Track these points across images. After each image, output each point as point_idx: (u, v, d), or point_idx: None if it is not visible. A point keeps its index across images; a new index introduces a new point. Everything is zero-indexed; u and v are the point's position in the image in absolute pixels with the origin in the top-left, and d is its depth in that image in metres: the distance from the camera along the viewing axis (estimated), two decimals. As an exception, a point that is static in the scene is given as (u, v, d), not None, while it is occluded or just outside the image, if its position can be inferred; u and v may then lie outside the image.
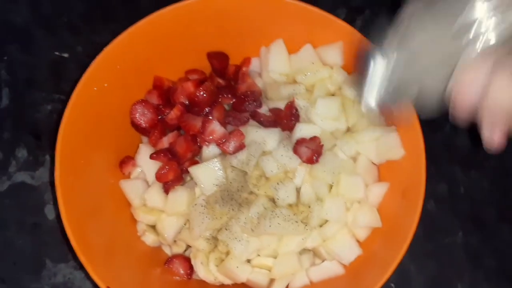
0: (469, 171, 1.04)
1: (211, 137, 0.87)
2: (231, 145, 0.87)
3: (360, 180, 0.86)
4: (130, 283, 0.84)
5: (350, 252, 0.85)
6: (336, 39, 0.91)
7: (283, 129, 0.89)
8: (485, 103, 0.51)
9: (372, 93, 0.62)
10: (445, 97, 0.57)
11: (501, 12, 0.50)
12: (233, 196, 0.86)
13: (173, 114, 0.90)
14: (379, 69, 0.60)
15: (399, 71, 0.60)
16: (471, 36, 0.51)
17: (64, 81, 1.08)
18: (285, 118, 0.88)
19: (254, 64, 0.98)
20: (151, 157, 0.89)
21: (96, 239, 0.83)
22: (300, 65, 0.93)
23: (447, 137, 1.06)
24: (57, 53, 1.10)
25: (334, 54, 0.91)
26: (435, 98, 0.60)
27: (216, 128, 0.87)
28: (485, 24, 0.51)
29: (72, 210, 0.79)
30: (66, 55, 1.10)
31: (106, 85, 0.86)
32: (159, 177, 0.88)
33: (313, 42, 0.93)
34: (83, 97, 0.83)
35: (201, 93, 0.89)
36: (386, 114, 0.77)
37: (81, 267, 0.95)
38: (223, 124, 0.89)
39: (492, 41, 0.51)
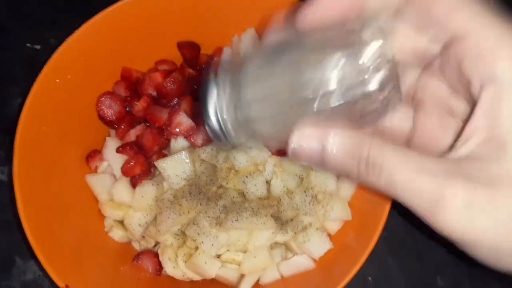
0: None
1: (178, 130, 0.84)
2: (199, 138, 0.84)
3: (330, 172, 0.83)
4: (95, 280, 0.82)
5: (321, 246, 0.82)
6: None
7: (253, 120, 0.86)
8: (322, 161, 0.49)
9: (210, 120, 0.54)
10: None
11: (350, 78, 0.47)
12: (202, 190, 0.83)
13: (139, 106, 0.87)
14: (212, 101, 0.53)
15: (230, 109, 0.53)
16: (316, 92, 0.48)
17: (36, 75, 1.05)
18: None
19: (227, 54, 0.95)
20: (117, 150, 0.87)
21: (60, 235, 0.80)
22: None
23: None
24: (28, 45, 1.07)
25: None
26: (273, 139, 0.56)
27: (183, 120, 0.84)
28: (333, 84, 0.47)
29: (33, 207, 0.77)
30: (38, 47, 1.08)
31: (69, 77, 0.84)
32: (125, 171, 0.85)
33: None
34: (44, 90, 0.81)
35: (169, 84, 0.87)
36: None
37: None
38: (192, 116, 0.86)
39: (333, 103, 0.48)
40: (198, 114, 0.79)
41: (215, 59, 0.93)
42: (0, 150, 1.00)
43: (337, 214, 0.82)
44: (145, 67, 0.94)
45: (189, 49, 0.93)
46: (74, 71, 0.84)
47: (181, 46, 0.93)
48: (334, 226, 0.84)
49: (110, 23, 0.85)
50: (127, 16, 0.86)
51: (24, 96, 1.02)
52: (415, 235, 0.97)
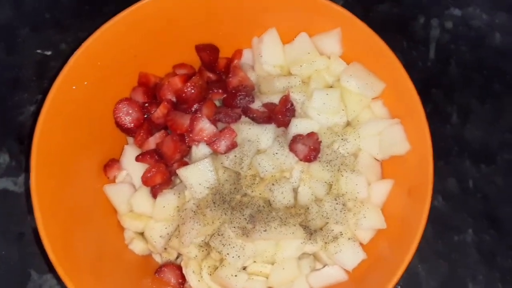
0: (479, 165, 0.97)
1: (200, 136, 0.81)
2: (222, 144, 0.81)
3: (363, 178, 0.79)
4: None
5: (354, 257, 0.78)
6: (333, 26, 0.84)
7: (278, 125, 0.83)
8: None
9: None
10: None
11: None
12: (226, 199, 0.80)
13: (159, 112, 0.84)
14: None
15: None
16: None
17: (48, 81, 1.02)
18: (280, 114, 0.82)
19: (246, 56, 0.91)
20: (137, 159, 0.83)
21: (79, 249, 0.77)
22: (295, 55, 0.86)
23: (455, 128, 0.99)
24: (39, 51, 1.04)
25: (332, 42, 0.85)
26: None
27: (205, 126, 0.81)
28: None
29: (51, 219, 0.73)
30: (49, 53, 1.04)
31: (86, 83, 0.80)
32: (145, 180, 0.82)
33: (308, 31, 0.87)
34: (61, 97, 0.77)
35: (189, 88, 0.83)
36: None
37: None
38: (213, 121, 0.82)
39: None
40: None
41: (236, 61, 0.90)
42: (12, 159, 0.97)
43: (370, 223, 0.79)
44: (163, 71, 0.91)
45: (208, 52, 0.89)
46: (91, 77, 0.80)
47: (200, 49, 0.89)
48: (366, 235, 0.80)
49: (125, 27, 0.82)
50: (142, 19, 0.83)
51: (36, 103, 1.00)
52: (444, 240, 0.93)
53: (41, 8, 1.07)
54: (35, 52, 1.04)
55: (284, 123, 0.82)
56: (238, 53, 0.91)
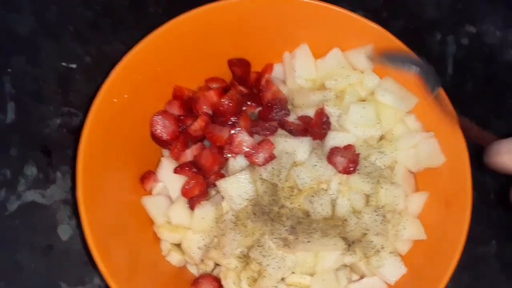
0: (500, 177, 1.00)
1: (239, 149, 0.82)
2: (260, 156, 0.82)
3: (401, 190, 0.81)
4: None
5: (396, 271, 0.80)
6: (364, 42, 0.87)
7: (314, 138, 0.84)
8: None
9: None
10: None
11: None
12: (265, 210, 0.81)
13: (197, 125, 0.85)
14: None
15: None
16: None
17: (73, 94, 1.02)
18: (316, 126, 0.84)
19: (277, 71, 0.93)
20: (175, 171, 0.84)
21: (119, 260, 0.77)
22: (328, 69, 0.89)
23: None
24: (64, 63, 1.04)
25: (364, 58, 0.87)
26: None
27: (245, 138, 0.82)
28: None
29: (96, 230, 0.74)
30: (73, 65, 1.04)
31: (126, 96, 0.81)
32: (185, 192, 0.82)
33: (339, 46, 0.89)
34: (103, 110, 0.78)
35: (227, 102, 0.84)
36: None
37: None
38: (250, 134, 0.84)
39: None
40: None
41: (267, 75, 0.91)
42: (39, 172, 0.96)
43: (410, 234, 0.81)
44: (194, 85, 0.92)
45: (240, 66, 0.91)
46: (130, 91, 0.81)
47: (232, 63, 0.91)
48: (404, 247, 0.82)
49: (163, 42, 0.83)
50: (177, 34, 0.84)
51: (62, 115, 1.00)
52: (467, 251, 0.96)
53: (63, 21, 1.07)
54: (60, 65, 1.04)
55: (320, 136, 0.84)
56: (269, 67, 0.92)
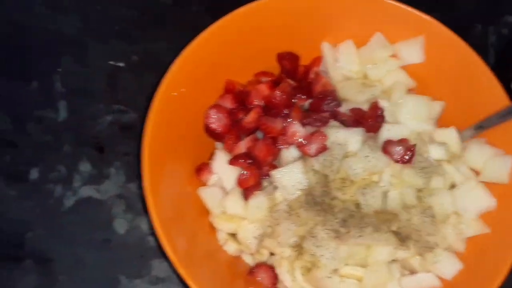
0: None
1: (293, 139, 0.84)
2: (312, 147, 0.84)
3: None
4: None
5: (452, 267, 0.81)
6: (414, 34, 0.88)
7: (368, 130, 0.86)
8: None
9: None
10: None
11: None
12: (317, 201, 0.83)
13: (250, 118, 0.87)
14: None
15: None
16: None
17: (122, 91, 1.05)
18: (371, 119, 0.85)
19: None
20: (230, 162, 0.86)
21: (181, 249, 0.79)
22: (370, 55, 0.91)
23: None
24: (112, 62, 1.07)
25: (414, 51, 0.88)
26: None
27: (298, 129, 0.84)
28: None
29: (162, 219, 0.76)
30: (121, 64, 1.07)
31: (183, 90, 0.83)
32: (240, 182, 0.84)
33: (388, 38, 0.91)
34: (164, 103, 0.80)
35: (279, 94, 0.86)
36: None
37: (157, 282, 0.92)
38: (303, 125, 0.85)
39: None
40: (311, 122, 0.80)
41: (315, 68, 0.93)
42: (93, 168, 0.99)
43: (472, 233, 0.82)
44: (243, 79, 0.94)
45: (289, 60, 0.93)
46: (188, 84, 0.84)
47: (282, 57, 0.93)
48: (462, 246, 0.84)
49: (218, 37, 0.86)
50: (231, 29, 0.87)
51: (113, 113, 1.02)
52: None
53: (109, 21, 1.10)
54: (107, 64, 1.07)
55: (374, 129, 0.86)
56: (318, 60, 0.94)
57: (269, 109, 0.88)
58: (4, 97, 1.03)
